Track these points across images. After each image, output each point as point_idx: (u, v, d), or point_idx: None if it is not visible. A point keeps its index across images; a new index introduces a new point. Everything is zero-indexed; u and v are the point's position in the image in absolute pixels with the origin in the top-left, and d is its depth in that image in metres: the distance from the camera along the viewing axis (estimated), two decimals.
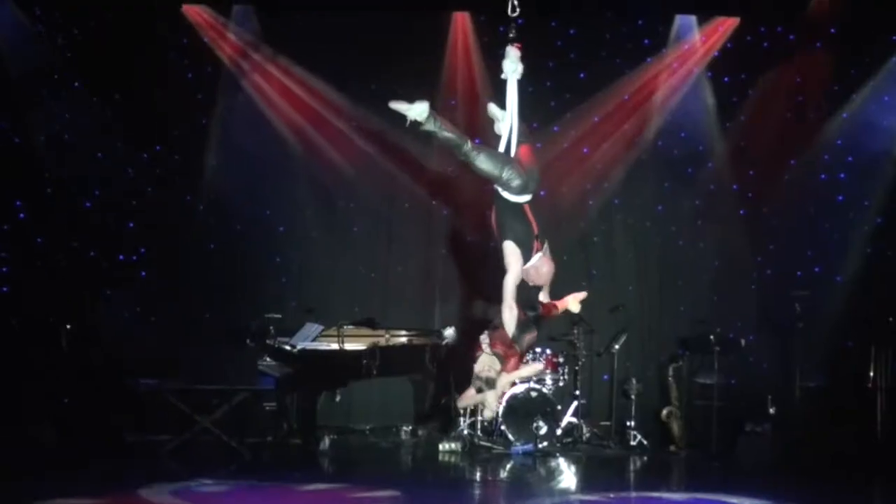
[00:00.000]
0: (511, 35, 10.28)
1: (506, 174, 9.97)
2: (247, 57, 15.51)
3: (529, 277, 10.38)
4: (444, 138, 9.89)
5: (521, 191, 10.10)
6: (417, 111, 9.69)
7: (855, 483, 12.40)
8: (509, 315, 10.25)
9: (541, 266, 10.36)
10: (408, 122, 9.72)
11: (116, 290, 14.99)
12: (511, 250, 10.19)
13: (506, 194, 10.12)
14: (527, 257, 10.21)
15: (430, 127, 9.77)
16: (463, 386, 14.32)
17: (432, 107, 9.61)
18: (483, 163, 9.94)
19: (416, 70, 15.21)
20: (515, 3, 10.40)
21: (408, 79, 15.30)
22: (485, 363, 11.16)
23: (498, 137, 10.20)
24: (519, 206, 10.21)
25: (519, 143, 10.29)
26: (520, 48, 10.22)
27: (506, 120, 10.24)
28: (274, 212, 15.59)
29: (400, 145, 15.58)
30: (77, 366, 14.00)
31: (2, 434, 13.34)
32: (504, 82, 10.30)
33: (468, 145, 9.89)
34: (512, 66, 10.22)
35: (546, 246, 10.37)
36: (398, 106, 9.72)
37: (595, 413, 14.96)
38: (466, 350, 14.12)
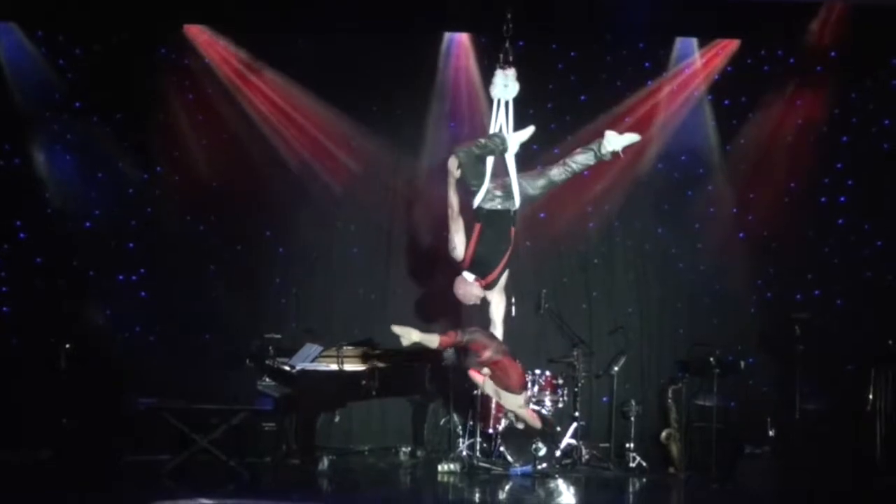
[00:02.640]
0: (503, 56, 10.49)
1: None
2: (247, 78, 15.49)
3: None
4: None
5: None
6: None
7: None
8: None
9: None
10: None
11: (116, 311, 14.97)
12: None
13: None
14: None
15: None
16: (461, 405, 14.42)
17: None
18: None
19: (416, 92, 15.27)
20: (510, 25, 10.57)
21: (408, 101, 15.42)
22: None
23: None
24: None
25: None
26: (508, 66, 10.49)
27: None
28: (273, 233, 15.58)
29: (399, 167, 15.61)
30: (76, 385, 13.99)
31: (1, 455, 13.36)
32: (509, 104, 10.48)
33: None
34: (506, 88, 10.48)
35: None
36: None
37: (594, 435, 14.94)
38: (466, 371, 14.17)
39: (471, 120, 15.42)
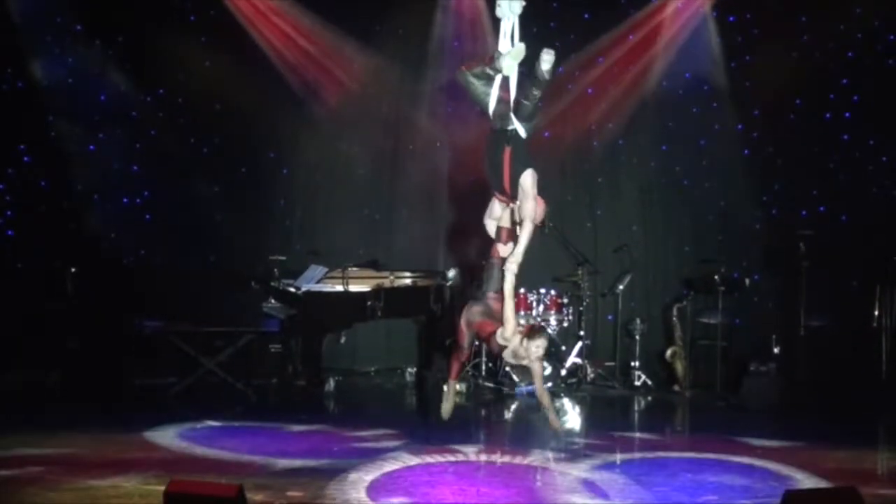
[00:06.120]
0: None
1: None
2: None
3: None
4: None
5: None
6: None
7: (858, 422, 12.44)
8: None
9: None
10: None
11: (121, 233, 14.97)
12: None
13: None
14: None
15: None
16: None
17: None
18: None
19: (419, 11, 15.16)
20: None
21: (411, 20, 15.32)
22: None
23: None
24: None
25: None
26: None
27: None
28: (278, 154, 15.56)
29: (404, 87, 15.55)
30: (82, 309, 14.03)
31: (8, 378, 13.42)
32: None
33: None
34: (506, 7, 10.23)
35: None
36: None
37: (599, 353, 14.99)
38: (470, 290, 14.19)
39: (474, 38, 15.32)
